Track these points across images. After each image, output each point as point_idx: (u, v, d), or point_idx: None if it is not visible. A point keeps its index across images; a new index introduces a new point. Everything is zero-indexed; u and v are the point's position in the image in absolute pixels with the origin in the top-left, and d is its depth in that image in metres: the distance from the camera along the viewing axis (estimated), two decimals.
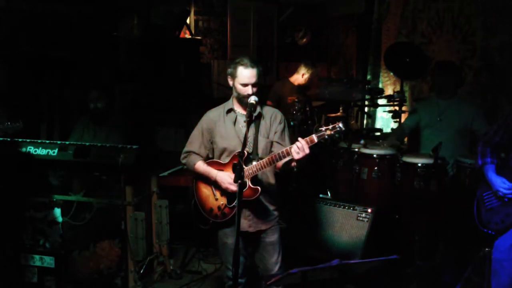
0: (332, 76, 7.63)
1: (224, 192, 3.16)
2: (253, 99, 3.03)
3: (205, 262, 4.53)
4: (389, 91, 6.20)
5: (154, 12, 5.85)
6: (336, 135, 2.88)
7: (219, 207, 3.20)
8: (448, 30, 5.63)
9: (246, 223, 3.18)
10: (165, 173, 4.50)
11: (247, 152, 3.06)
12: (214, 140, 3.22)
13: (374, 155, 4.43)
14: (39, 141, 3.88)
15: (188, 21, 6.25)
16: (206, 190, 3.26)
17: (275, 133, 3.19)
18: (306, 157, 2.87)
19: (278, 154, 2.95)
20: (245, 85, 3.06)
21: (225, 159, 3.18)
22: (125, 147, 3.71)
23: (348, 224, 4.06)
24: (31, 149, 3.80)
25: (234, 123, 3.17)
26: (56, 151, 3.76)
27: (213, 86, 6.71)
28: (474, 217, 3.42)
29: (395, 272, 4.04)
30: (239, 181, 2.71)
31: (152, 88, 5.51)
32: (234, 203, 3.11)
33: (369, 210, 4.00)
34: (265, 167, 3.01)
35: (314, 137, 2.86)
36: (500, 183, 3.23)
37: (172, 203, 4.29)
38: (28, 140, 3.86)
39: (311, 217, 4.17)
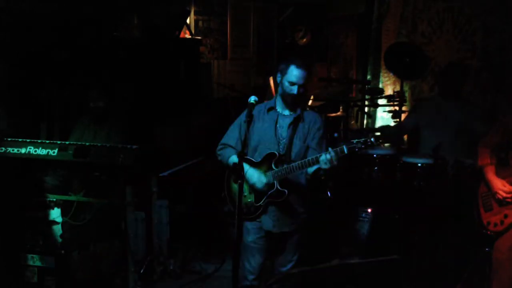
0: (332, 76, 7.62)
1: (253, 189, 3.17)
2: (252, 99, 3.03)
3: (205, 262, 4.53)
4: (389, 91, 6.20)
5: (154, 12, 5.85)
6: (366, 148, 2.90)
7: (246, 204, 3.20)
8: (448, 30, 5.63)
9: (271, 223, 3.18)
10: (165, 173, 4.49)
11: (279, 153, 3.09)
12: (249, 137, 3.19)
13: (374, 155, 4.42)
14: (39, 141, 3.88)
15: (188, 21, 6.24)
16: (236, 186, 3.25)
17: (313, 139, 3.18)
18: (333, 169, 2.88)
19: (308, 160, 2.95)
20: (292, 83, 3.07)
21: (257, 158, 3.19)
22: (125, 147, 3.71)
23: (348, 224, 4.06)
24: (31, 149, 3.80)
25: (275, 122, 3.17)
26: (56, 151, 3.76)
27: (213, 86, 6.71)
28: (473, 218, 3.42)
29: (395, 272, 4.03)
30: (239, 181, 2.71)
31: (152, 88, 5.50)
32: (261, 202, 3.14)
33: (369, 210, 4.00)
34: (293, 171, 3.02)
35: (345, 148, 2.86)
36: (500, 185, 3.23)
37: (172, 203, 4.29)
38: (28, 140, 3.86)
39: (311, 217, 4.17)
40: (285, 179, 3.08)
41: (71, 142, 3.97)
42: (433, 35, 5.82)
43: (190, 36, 6.31)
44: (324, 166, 2.86)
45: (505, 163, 3.34)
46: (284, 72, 3.11)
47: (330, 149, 2.87)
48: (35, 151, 3.79)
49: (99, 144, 3.83)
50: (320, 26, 7.85)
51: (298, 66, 3.06)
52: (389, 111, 5.37)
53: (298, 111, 3.19)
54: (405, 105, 5.33)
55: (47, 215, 3.86)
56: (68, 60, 4.93)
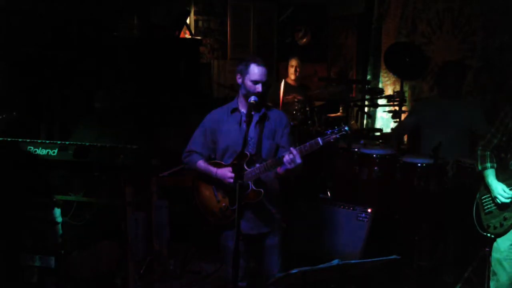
0: (332, 76, 7.63)
1: (226, 193, 3.14)
2: (253, 99, 3.01)
3: (205, 262, 4.53)
4: (389, 91, 6.21)
5: (154, 12, 5.85)
6: (342, 138, 2.88)
7: (220, 209, 3.16)
8: (448, 30, 5.64)
9: (248, 225, 3.13)
10: (165, 173, 4.49)
11: (250, 154, 3.05)
12: (216, 141, 3.20)
13: (374, 155, 4.43)
14: (39, 141, 3.88)
15: (188, 21, 6.25)
16: (207, 192, 3.23)
17: (282, 136, 3.17)
18: (299, 167, 2.87)
19: (276, 159, 2.95)
20: (256, 82, 3.04)
21: (227, 160, 3.15)
22: (125, 147, 3.71)
23: (348, 224, 4.06)
24: (31, 149, 3.80)
25: (239, 123, 3.14)
26: (56, 151, 3.76)
27: (213, 86, 6.71)
28: (473, 221, 3.42)
29: (395, 272, 4.04)
30: (239, 181, 2.69)
31: (152, 88, 5.50)
32: (236, 205, 3.09)
33: (369, 210, 4.00)
34: (268, 169, 3.00)
35: (320, 140, 2.85)
36: (500, 190, 3.22)
37: (172, 203, 4.29)
38: (28, 140, 3.85)
39: (311, 217, 4.17)
40: (259, 179, 3.05)
41: (71, 142, 3.96)
42: (433, 35, 5.82)
43: (190, 36, 6.31)
44: (289, 166, 2.86)
45: (504, 165, 3.33)
46: (244, 72, 3.07)
47: (292, 148, 2.86)
48: (35, 151, 3.79)
49: (99, 144, 3.83)
50: (320, 26, 7.86)
51: (259, 63, 3.05)
52: (389, 111, 5.38)
53: (262, 110, 3.15)
54: (405, 105, 5.33)
55: (47, 215, 3.86)
56: (68, 60, 4.93)
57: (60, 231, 3.85)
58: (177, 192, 4.60)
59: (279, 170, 3.02)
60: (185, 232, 4.59)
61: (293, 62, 5.95)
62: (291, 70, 5.96)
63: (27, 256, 3.83)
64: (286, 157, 2.86)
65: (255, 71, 3.04)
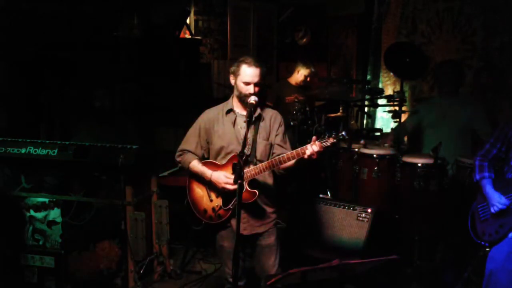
0: (332, 76, 7.63)
1: (220, 193, 3.13)
2: (253, 99, 3.01)
3: (205, 262, 4.53)
4: (389, 91, 6.20)
5: (154, 12, 5.86)
6: (339, 143, 2.87)
7: (213, 209, 3.16)
8: (448, 30, 5.64)
9: (241, 226, 3.07)
10: (165, 173, 4.50)
11: (246, 154, 3.02)
12: (211, 141, 3.19)
13: (374, 155, 4.43)
14: (39, 141, 3.88)
15: (188, 21, 6.25)
16: (200, 191, 3.22)
17: (277, 135, 3.16)
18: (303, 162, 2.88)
19: (279, 158, 2.93)
20: (247, 83, 3.03)
21: (221, 161, 3.15)
22: (125, 147, 3.71)
23: (348, 224, 4.06)
24: (31, 149, 3.80)
25: (234, 123, 3.14)
26: (56, 151, 3.76)
27: (213, 86, 6.71)
28: (468, 229, 3.42)
29: (395, 272, 4.04)
30: (239, 181, 2.68)
31: (152, 88, 5.50)
32: (230, 205, 3.07)
33: (369, 210, 4.00)
34: (264, 170, 2.98)
35: (317, 143, 2.85)
36: (497, 198, 3.25)
37: (172, 203, 4.29)
38: (28, 140, 3.85)
39: (311, 217, 4.17)
40: (253, 179, 3.04)
41: (71, 142, 3.96)
42: (433, 35, 5.83)
43: (190, 36, 6.31)
44: (313, 157, 2.84)
45: (502, 173, 3.34)
46: (236, 74, 3.06)
47: (317, 142, 2.85)
48: (35, 151, 3.79)
49: (99, 144, 3.83)
50: (320, 26, 7.85)
51: (249, 64, 3.02)
52: (389, 111, 5.37)
53: (258, 110, 3.14)
54: (405, 105, 5.33)
55: (47, 215, 3.86)
56: (68, 60, 4.94)
57: (60, 231, 3.86)
58: (177, 192, 4.60)
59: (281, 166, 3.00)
60: (185, 232, 4.59)
61: (306, 72, 5.89)
62: (302, 78, 5.91)
63: (27, 256, 3.83)
64: (310, 149, 2.82)
65: (246, 72, 3.02)
